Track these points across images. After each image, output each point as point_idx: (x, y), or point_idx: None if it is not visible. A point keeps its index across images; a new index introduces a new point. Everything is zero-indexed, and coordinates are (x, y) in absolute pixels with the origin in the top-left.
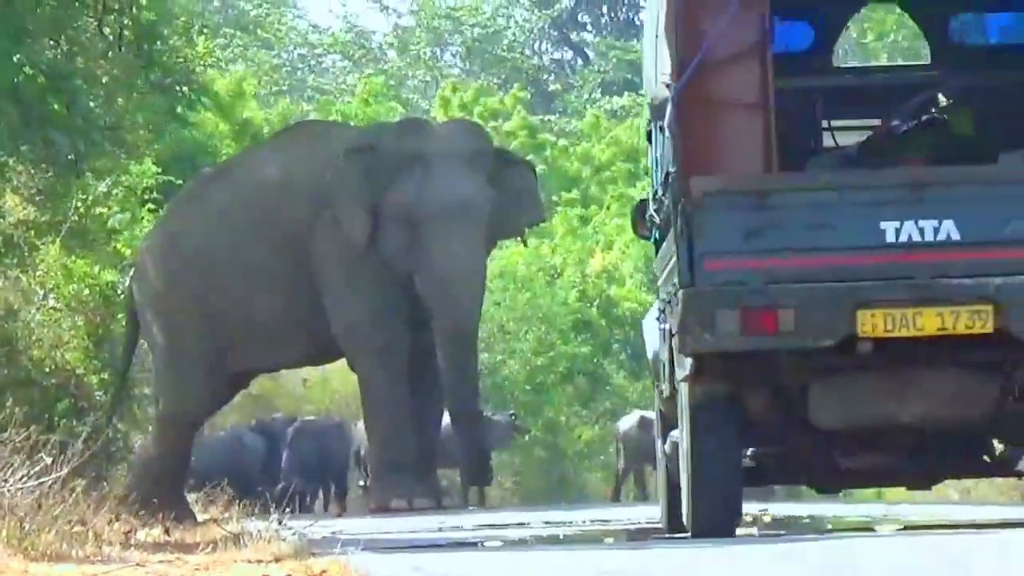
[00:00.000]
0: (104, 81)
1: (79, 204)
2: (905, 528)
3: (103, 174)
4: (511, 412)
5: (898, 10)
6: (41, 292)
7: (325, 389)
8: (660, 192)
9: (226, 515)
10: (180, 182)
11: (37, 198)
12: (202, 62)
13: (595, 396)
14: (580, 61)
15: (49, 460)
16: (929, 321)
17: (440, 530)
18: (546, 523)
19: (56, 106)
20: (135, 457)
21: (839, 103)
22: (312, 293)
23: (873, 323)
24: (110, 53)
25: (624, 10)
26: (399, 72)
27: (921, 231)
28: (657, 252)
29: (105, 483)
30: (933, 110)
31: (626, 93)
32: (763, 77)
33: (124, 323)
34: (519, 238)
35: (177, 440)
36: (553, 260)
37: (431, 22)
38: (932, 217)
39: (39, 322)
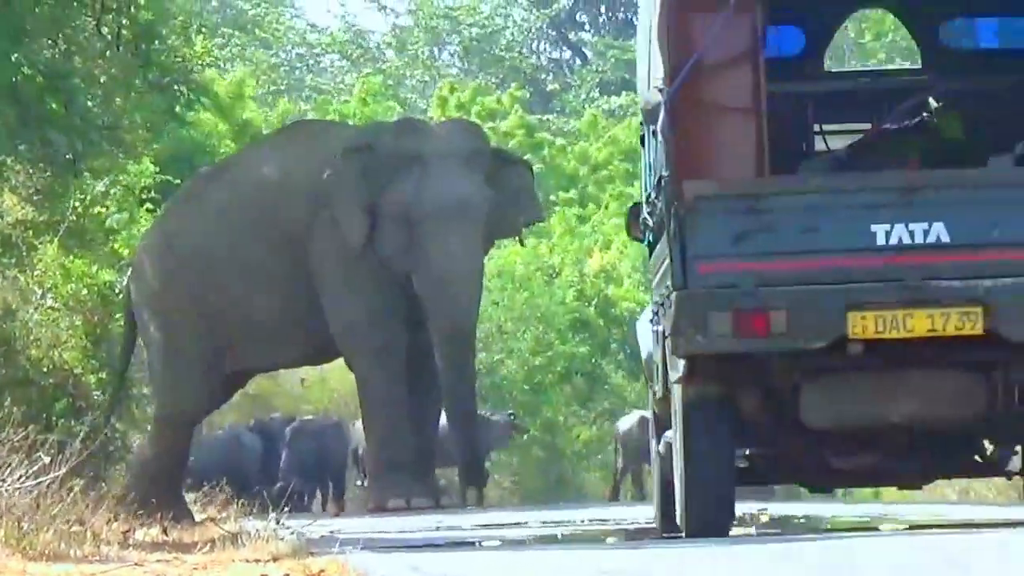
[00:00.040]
0: (102, 81)
1: (77, 204)
2: (904, 528)
3: (101, 174)
4: (509, 412)
5: None
6: (39, 292)
7: (323, 389)
8: (653, 195)
9: (224, 515)
10: (178, 182)
11: (35, 198)
12: (200, 62)
13: (593, 396)
14: (578, 61)
15: (47, 460)
16: (919, 323)
17: (438, 529)
18: (544, 523)
19: (54, 106)
20: (133, 457)
21: (830, 107)
22: (310, 293)
23: (864, 325)
24: (108, 53)
25: (622, 10)
26: (397, 72)
27: (911, 234)
28: (650, 255)
29: (103, 483)
30: (924, 114)
31: (624, 92)
32: (755, 82)
33: (122, 323)
34: (517, 238)
35: (174, 440)
36: (551, 260)
37: (429, 22)
38: (922, 220)
39: (37, 322)
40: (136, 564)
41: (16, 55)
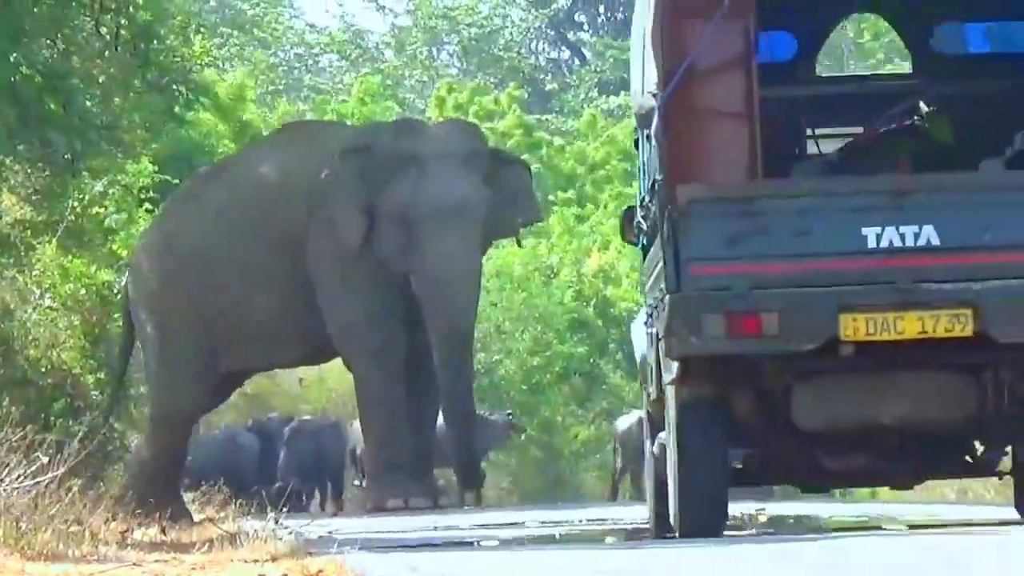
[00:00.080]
0: (101, 81)
1: (76, 204)
2: (903, 528)
3: (100, 173)
4: (507, 412)
5: None
6: (37, 292)
7: (321, 389)
8: (647, 199)
9: (222, 514)
10: (177, 182)
11: (34, 197)
12: (199, 61)
13: (591, 396)
14: (577, 61)
15: (45, 460)
16: (910, 325)
17: (436, 529)
18: (542, 523)
19: (53, 106)
20: (131, 456)
21: (823, 111)
22: (308, 293)
23: (855, 327)
24: (107, 53)
25: (621, 10)
26: (395, 72)
27: (902, 237)
28: (644, 258)
29: (101, 483)
30: (915, 118)
31: (622, 92)
32: (748, 86)
33: (120, 323)
34: (515, 238)
35: (172, 439)
36: (549, 260)
37: (427, 22)
38: (913, 223)
39: (35, 322)
40: (134, 564)
41: (15, 55)
